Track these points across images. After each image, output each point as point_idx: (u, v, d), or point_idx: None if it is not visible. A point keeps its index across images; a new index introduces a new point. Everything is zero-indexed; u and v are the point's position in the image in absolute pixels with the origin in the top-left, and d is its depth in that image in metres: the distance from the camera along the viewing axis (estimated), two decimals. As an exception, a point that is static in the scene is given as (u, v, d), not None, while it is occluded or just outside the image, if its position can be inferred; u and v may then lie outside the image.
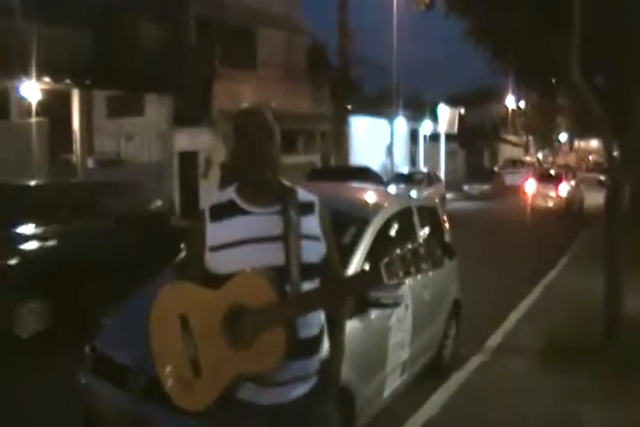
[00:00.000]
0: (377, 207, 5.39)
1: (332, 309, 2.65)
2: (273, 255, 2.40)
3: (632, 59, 7.49)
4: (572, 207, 24.97)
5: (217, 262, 2.45)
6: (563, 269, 12.06)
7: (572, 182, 27.08)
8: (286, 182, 2.58)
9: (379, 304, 4.49)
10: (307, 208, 2.54)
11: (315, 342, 2.51)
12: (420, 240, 2.24)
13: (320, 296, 2.39)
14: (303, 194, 2.58)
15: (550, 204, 25.62)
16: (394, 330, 4.97)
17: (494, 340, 7.34)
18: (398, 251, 2.20)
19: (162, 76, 17.55)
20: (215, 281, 2.40)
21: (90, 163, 17.49)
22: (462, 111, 41.22)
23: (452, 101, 40.59)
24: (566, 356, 6.63)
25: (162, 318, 2.50)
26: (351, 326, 4.32)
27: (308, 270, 2.44)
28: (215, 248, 2.45)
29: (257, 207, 2.49)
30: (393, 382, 5.10)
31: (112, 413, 4.08)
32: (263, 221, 2.46)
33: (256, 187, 2.49)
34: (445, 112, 37.66)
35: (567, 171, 31.34)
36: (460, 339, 6.84)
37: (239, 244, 2.42)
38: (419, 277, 5.25)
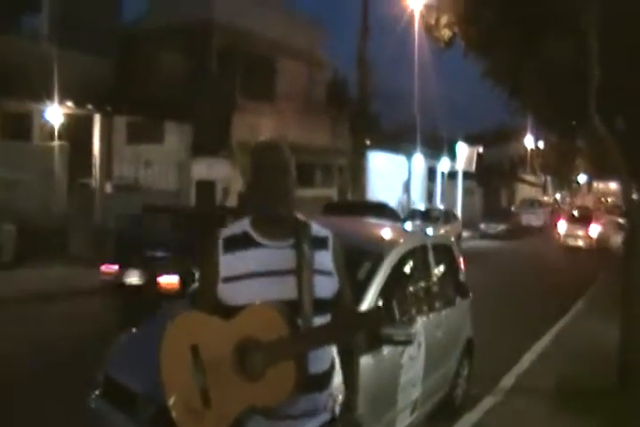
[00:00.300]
0: (392, 243, 5.37)
1: (345, 344, 2.62)
2: (286, 289, 2.40)
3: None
4: (600, 246, 26.37)
5: (229, 294, 2.45)
6: (579, 312, 11.91)
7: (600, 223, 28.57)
8: (301, 217, 2.58)
9: (391, 341, 4.44)
10: (320, 243, 2.55)
11: (325, 378, 2.49)
12: (434, 278, 2.25)
13: (332, 331, 2.40)
14: (317, 229, 2.59)
15: (581, 243, 27.68)
16: (406, 368, 4.90)
17: (507, 381, 7.23)
18: (411, 288, 2.19)
19: (182, 104, 17.74)
20: (228, 312, 2.40)
21: (108, 187, 17.59)
22: (481, 150, 41.27)
23: (471, 140, 40.64)
24: (579, 400, 6.54)
25: (173, 348, 2.47)
26: (363, 362, 4.27)
27: (320, 305, 2.43)
28: (228, 279, 2.45)
29: (271, 240, 2.49)
30: (403, 420, 5.02)
31: None
32: (276, 255, 2.46)
33: (271, 221, 2.49)
34: (464, 150, 37.73)
35: (594, 212, 32.99)
36: (472, 379, 6.75)
37: (252, 276, 2.42)
38: (432, 315, 5.28)
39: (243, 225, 2.54)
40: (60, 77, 14.77)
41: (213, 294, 2.48)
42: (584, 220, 28.90)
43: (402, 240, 5.55)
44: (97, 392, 4.31)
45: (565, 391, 6.82)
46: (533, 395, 6.78)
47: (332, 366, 2.55)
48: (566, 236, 28.78)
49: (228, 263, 2.46)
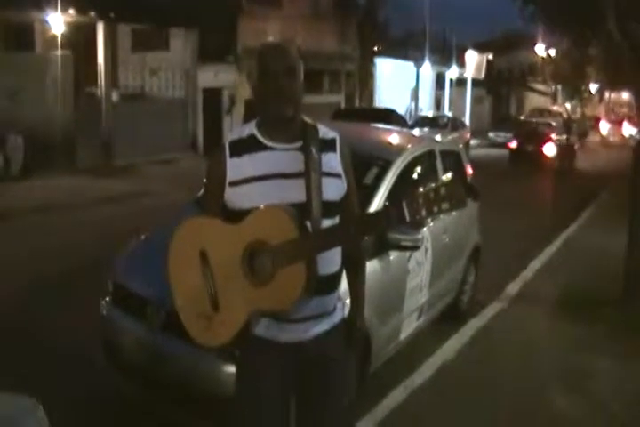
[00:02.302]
0: (400, 148, 5.33)
1: (353, 246, 2.63)
2: (294, 192, 2.38)
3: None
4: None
5: (237, 198, 2.42)
6: (585, 222, 11.94)
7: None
8: (308, 119, 2.53)
9: (398, 247, 4.47)
10: (328, 145, 2.50)
11: (333, 280, 2.50)
12: (443, 180, 2.20)
13: (341, 233, 2.35)
14: (324, 131, 2.53)
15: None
16: (412, 273, 4.96)
17: (513, 288, 7.33)
18: (419, 192, 2.14)
19: (187, 10, 17.27)
20: (235, 216, 2.38)
21: (114, 96, 17.38)
22: (490, 57, 40.36)
23: (481, 47, 39.70)
24: (584, 309, 6.63)
25: (181, 253, 2.48)
26: (370, 267, 4.29)
27: (328, 208, 2.41)
28: (235, 183, 2.42)
29: (278, 143, 2.44)
30: (410, 325, 5.12)
31: (132, 345, 4.11)
32: (284, 157, 2.43)
33: (277, 123, 2.44)
34: (473, 57, 36.93)
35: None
36: (478, 286, 6.83)
37: (260, 179, 2.40)
38: (439, 220, 5.30)
39: (249, 128, 2.50)
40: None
41: (220, 199, 2.46)
42: (619, 123, 38.52)
43: (409, 146, 5.50)
44: (107, 299, 4.37)
45: (570, 299, 6.92)
46: (538, 302, 6.89)
47: (341, 269, 2.55)
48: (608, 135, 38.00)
49: (235, 167, 2.43)
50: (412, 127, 21.17)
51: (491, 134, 34.26)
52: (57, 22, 15.28)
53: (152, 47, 19.16)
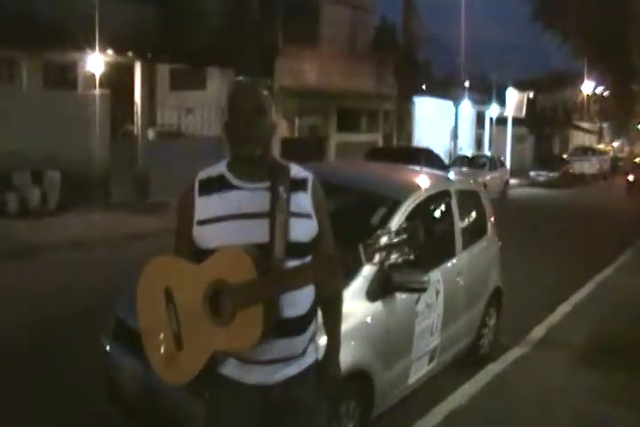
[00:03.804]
0: (411, 188, 5.23)
1: (326, 288, 2.56)
2: (258, 232, 2.36)
3: None
4: None
5: (203, 237, 2.42)
6: (621, 266, 11.57)
7: None
8: (279, 159, 2.54)
9: (404, 288, 4.37)
10: (299, 185, 2.49)
11: (301, 322, 2.45)
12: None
13: (302, 274, 2.34)
14: (296, 171, 2.53)
15: None
16: (421, 316, 4.83)
17: (537, 332, 7.09)
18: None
19: (224, 50, 17.57)
20: (203, 255, 2.39)
21: (150, 134, 17.66)
22: (531, 95, 40.19)
23: (522, 85, 39.61)
24: (611, 356, 6.39)
25: (148, 290, 2.52)
26: (374, 308, 4.29)
27: (295, 248, 2.39)
28: (202, 222, 2.42)
29: (246, 183, 2.45)
30: (419, 369, 4.97)
31: (129, 380, 4.11)
32: (252, 197, 2.42)
33: (246, 162, 2.45)
34: (513, 95, 36.80)
35: None
36: (501, 329, 6.63)
37: (226, 219, 2.39)
38: (452, 262, 5.19)
39: (219, 167, 2.51)
40: (102, 26, 14.73)
41: (188, 237, 2.46)
42: None
43: (422, 186, 5.41)
44: (109, 335, 4.38)
45: (597, 347, 6.67)
46: (562, 348, 6.64)
47: (309, 313, 2.49)
48: None
49: (203, 206, 2.44)
50: (450, 167, 21.03)
51: (532, 173, 33.97)
52: (96, 62, 15.68)
53: (189, 86, 19.51)
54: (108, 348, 4.37)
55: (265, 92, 2.46)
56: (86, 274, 9.08)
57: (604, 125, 63.14)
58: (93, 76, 15.95)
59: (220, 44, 17.28)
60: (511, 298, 6.80)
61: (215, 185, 2.45)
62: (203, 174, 2.51)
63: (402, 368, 4.68)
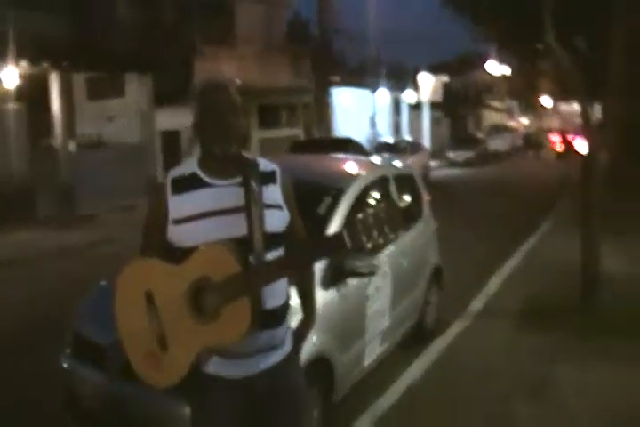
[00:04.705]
0: (353, 177, 5.42)
1: (300, 277, 2.71)
2: (236, 226, 2.41)
3: (610, 23, 7.50)
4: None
5: (180, 236, 2.46)
6: (545, 233, 12.18)
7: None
8: (247, 155, 2.58)
9: (355, 274, 4.54)
10: (268, 178, 2.55)
11: (281, 313, 2.54)
12: (397, 208, 2.25)
13: (284, 265, 2.39)
14: (264, 164, 2.59)
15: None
16: (372, 299, 5.04)
17: (476, 305, 7.45)
18: (373, 219, 2.19)
19: (141, 55, 17.39)
20: (180, 254, 2.42)
21: (71, 146, 17.37)
22: (445, 79, 41.04)
23: (435, 69, 40.35)
24: (546, 318, 6.78)
25: (126, 295, 2.51)
26: (329, 296, 4.39)
27: (272, 240, 2.45)
28: (178, 221, 2.46)
29: (219, 179, 2.49)
30: (373, 350, 5.18)
31: (93, 395, 4.08)
32: (225, 193, 2.47)
33: (219, 160, 2.49)
34: (428, 80, 37.51)
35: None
36: (442, 305, 6.93)
37: (202, 216, 2.43)
38: (396, 244, 5.39)
39: (190, 166, 2.55)
40: (13, 37, 14.40)
41: (162, 237, 2.50)
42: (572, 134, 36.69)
43: (362, 173, 5.59)
44: (67, 351, 4.35)
45: (532, 312, 7.04)
46: (501, 317, 7.00)
47: (287, 302, 2.58)
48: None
49: (177, 205, 2.47)
50: (372, 154, 21.39)
51: (450, 154, 34.78)
52: (10, 75, 15.31)
53: (108, 94, 19.21)
54: (65, 365, 4.30)
55: (234, 90, 2.51)
56: (21, 292, 8.98)
57: (514, 103, 64.91)
58: (8, 89, 15.59)
59: (136, 49, 17.08)
60: (447, 274, 7.10)
61: (187, 183, 2.49)
62: (174, 173, 2.54)
63: (358, 351, 4.86)
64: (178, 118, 19.97)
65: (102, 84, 19.26)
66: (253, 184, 2.43)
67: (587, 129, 7.50)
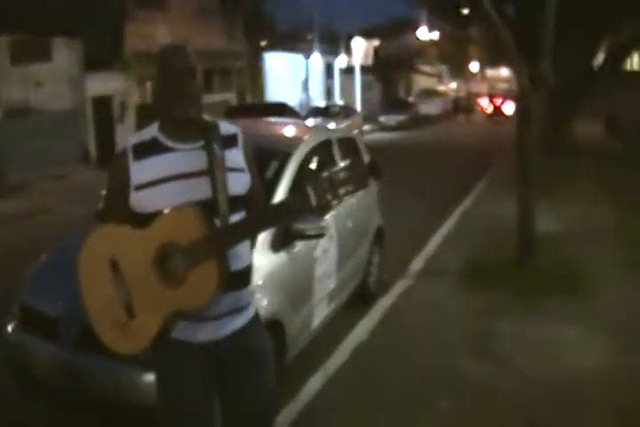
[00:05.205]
0: (297, 140, 5.44)
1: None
2: (200, 190, 2.42)
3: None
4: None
5: (143, 201, 2.44)
6: (479, 195, 12.52)
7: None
8: (208, 118, 2.55)
9: (303, 236, 4.57)
10: (230, 141, 2.54)
11: (245, 275, 2.56)
12: (345, 163, 2.28)
13: (249, 225, 2.41)
14: (225, 127, 2.57)
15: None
16: (320, 261, 5.11)
17: (416, 265, 7.65)
18: (324, 174, 2.21)
19: (69, 18, 16.84)
20: (142, 220, 2.40)
21: (-2, 113, 16.83)
22: (377, 43, 41.10)
23: (367, 34, 40.38)
24: (484, 277, 6.99)
25: (90, 264, 2.48)
26: (277, 259, 4.43)
27: (235, 202, 2.47)
28: (140, 187, 2.44)
29: (181, 144, 2.48)
30: (321, 311, 5.26)
31: (45, 367, 4.02)
32: (188, 157, 2.46)
33: (180, 124, 2.47)
34: (360, 45, 37.52)
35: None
36: (384, 266, 7.07)
37: (165, 181, 2.42)
38: (341, 206, 5.47)
39: (151, 131, 2.53)
40: None
41: (125, 204, 2.47)
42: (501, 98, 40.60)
43: (307, 137, 5.61)
44: (14, 324, 4.23)
45: (471, 271, 7.27)
46: (441, 276, 7.22)
47: (251, 264, 2.61)
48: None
49: (139, 170, 2.45)
50: (306, 118, 21.41)
51: (382, 118, 35.01)
52: None
53: (34, 59, 18.55)
54: (12, 337, 4.19)
55: (193, 54, 2.48)
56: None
57: (443, 68, 65.54)
58: None
59: (64, 11, 16.51)
60: (387, 235, 7.21)
61: (149, 148, 2.46)
62: (134, 139, 2.52)
63: (307, 313, 4.92)
64: (109, 83, 19.56)
65: (28, 47, 18.57)
66: (216, 147, 2.44)
67: (520, 92, 7.67)
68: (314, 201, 2.22)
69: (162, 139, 2.48)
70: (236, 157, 2.54)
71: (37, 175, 16.18)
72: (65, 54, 18.75)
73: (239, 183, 2.51)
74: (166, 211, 2.35)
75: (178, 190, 2.41)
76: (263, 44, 26.96)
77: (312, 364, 4.96)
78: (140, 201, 2.44)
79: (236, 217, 2.46)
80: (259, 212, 2.54)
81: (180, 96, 2.42)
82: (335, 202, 2.23)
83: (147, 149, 2.47)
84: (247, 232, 2.42)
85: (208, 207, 2.36)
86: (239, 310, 2.55)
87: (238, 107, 22.25)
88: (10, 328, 4.23)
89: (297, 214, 2.32)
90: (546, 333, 5.59)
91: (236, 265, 2.46)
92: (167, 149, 2.47)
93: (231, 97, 26.25)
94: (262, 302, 4.08)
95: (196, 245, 2.28)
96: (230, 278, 2.38)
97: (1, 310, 4.45)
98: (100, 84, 19.20)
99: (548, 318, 5.91)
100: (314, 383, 4.70)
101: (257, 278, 4.07)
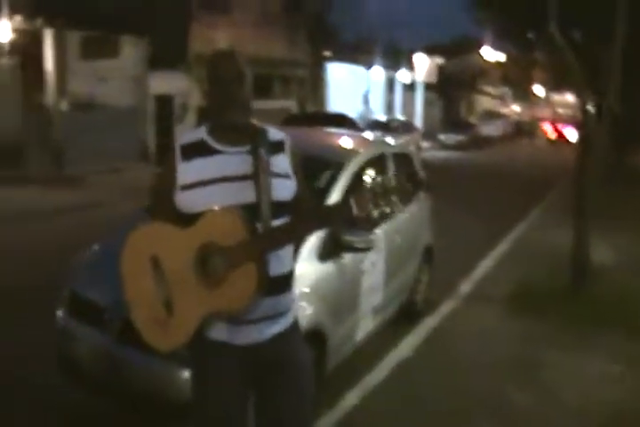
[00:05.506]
0: (353, 152, 5.39)
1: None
2: (244, 194, 2.43)
3: (606, 18, 7.47)
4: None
5: (188, 201, 2.47)
6: (535, 220, 12.25)
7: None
8: (257, 123, 2.59)
9: (351, 248, 4.52)
10: (277, 147, 2.56)
11: (286, 280, 2.55)
12: (394, 186, 2.28)
13: (290, 231, 2.43)
14: (273, 133, 2.60)
15: None
16: (367, 274, 5.03)
17: (466, 286, 7.49)
18: (372, 195, 2.24)
19: (138, 17, 17.17)
20: (186, 220, 2.43)
21: (63, 105, 17.17)
22: (441, 61, 40.93)
23: (431, 51, 40.21)
24: (534, 303, 6.81)
25: (133, 259, 2.52)
26: (325, 269, 4.40)
27: (279, 208, 2.47)
28: (186, 187, 2.47)
29: (228, 147, 2.50)
30: (365, 325, 5.19)
31: (88, 355, 4.07)
32: (234, 160, 2.48)
33: (228, 128, 2.50)
34: (423, 61, 37.40)
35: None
36: (432, 285, 6.94)
37: (210, 183, 2.44)
38: (392, 221, 5.39)
39: (199, 133, 2.55)
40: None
41: (171, 203, 2.50)
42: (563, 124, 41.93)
43: (362, 148, 5.57)
44: (64, 309, 4.32)
45: (521, 296, 7.08)
46: (490, 300, 7.04)
47: (293, 270, 2.60)
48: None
49: (186, 171, 2.48)
50: (365, 131, 21.32)
51: (441, 137, 34.80)
52: (3, 30, 15.06)
53: (101, 55, 18.93)
54: (62, 323, 4.29)
55: (242, 59, 2.51)
56: (9, 250, 8.86)
57: (506, 90, 64.89)
58: (0, 44, 15.34)
59: (133, 11, 16.86)
60: (437, 255, 7.09)
61: (197, 150, 2.50)
62: (183, 140, 2.55)
63: (350, 325, 4.87)
64: (171, 83, 19.82)
65: (96, 44, 18.97)
66: (262, 152, 2.47)
67: (584, 119, 7.49)
68: (355, 211, 2.27)
69: (210, 141, 2.52)
70: (282, 162, 2.55)
71: (95, 168, 16.46)
72: (131, 52, 19.11)
73: (284, 189, 2.52)
74: (210, 211, 2.37)
75: (222, 193, 2.44)
76: (326, 53, 26.99)
77: (352, 377, 4.89)
78: (185, 201, 2.48)
79: (278, 222, 2.46)
80: (300, 218, 2.54)
81: (229, 101, 2.46)
82: (376, 214, 2.26)
83: (194, 151, 2.51)
84: (288, 238, 2.45)
85: (251, 211, 2.39)
86: (278, 315, 2.55)
87: (298, 115, 22.30)
88: (59, 314, 4.32)
89: (337, 223, 2.33)
90: (594, 367, 5.40)
91: (276, 270, 2.46)
92: (214, 152, 2.50)
93: (291, 105, 26.34)
94: (305, 311, 4.05)
95: (235, 247, 2.31)
96: (269, 283, 2.39)
97: (50, 299, 4.52)
98: (163, 84, 19.46)
99: (598, 351, 5.71)
100: (352, 396, 4.64)
101: (302, 287, 4.07)
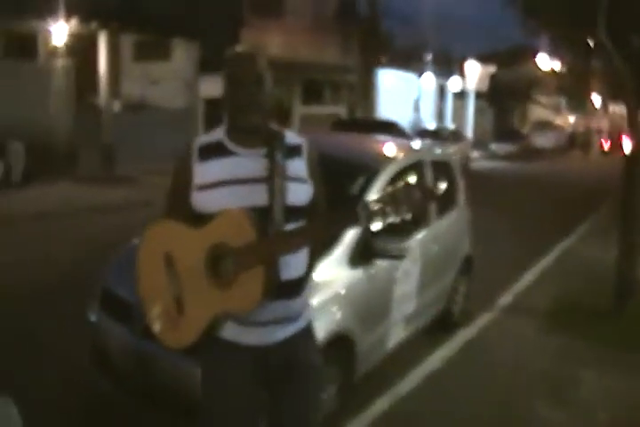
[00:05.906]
0: (389, 158, 5.36)
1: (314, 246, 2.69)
2: (257, 196, 2.42)
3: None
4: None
5: (203, 201, 2.47)
6: (581, 235, 11.99)
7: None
8: (274, 126, 2.58)
9: (384, 256, 4.49)
10: (294, 151, 2.55)
11: (298, 285, 2.53)
12: (402, 184, 2.26)
13: (302, 235, 2.41)
14: (291, 137, 2.58)
15: None
16: (400, 282, 4.99)
17: (505, 299, 7.36)
18: (384, 192, 2.23)
19: (189, 21, 17.41)
20: (201, 220, 2.44)
21: (116, 106, 17.49)
22: (493, 69, 40.52)
23: (483, 59, 39.86)
24: (574, 320, 6.67)
25: (148, 256, 2.55)
26: (356, 275, 4.40)
27: (293, 212, 2.45)
28: (201, 187, 2.47)
29: (244, 149, 2.49)
30: (397, 333, 5.14)
31: (117, 350, 4.15)
32: (249, 163, 2.47)
33: (245, 130, 2.49)
34: (475, 69, 37.08)
35: None
36: (470, 296, 6.84)
37: (224, 184, 2.44)
38: (427, 230, 5.33)
39: (217, 134, 2.55)
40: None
41: (186, 202, 2.51)
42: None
43: (398, 155, 5.53)
44: (95, 305, 4.41)
45: (561, 312, 6.94)
46: (529, 314, 6.90)
47: (306, 275, 2.57)
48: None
49: (202, 171, 2.48)
50: (413, 139, 21.21)
51: (492, 146, 34.47)
52: (59, 32, 15.41)
53: (153, 57, 19.26)
54: (93, 318, 4.39)
55: (263, 61, 2.48)
56: (56, 246, 9.06)
57: (561, 100, 63.84)
58: (56, 46, 15.69)
59: (185, 15, 17.10)
60: (479, 266, 7.00)
61: (214, 151, 2.49)
62: (201, 140, 2.55)
63: (381, 333, 4.83)
64: (221, 87, 19.98)
65: (149, 47, 19.31)
66: (278, 156, 2.45)
67: (632, 131, 7.29)
68: (363, 218, 2.25)
69: (227, 143, 2.52)
70: (298, 167, 2.54)
71: (145, 169, 16.67)
72: (182, 55, 19.37)
73: (299, 193, 2.50)
74: (222, 212, 2.38)
75: (235, 194, 2.43)
76: (377, 59, 26.94)
77: (382, 384, 4.85)
78: (200, 201, 2.48)
79: (292, 226, 2.44)
80: (314, 224, 2.51)
81: (247, 103, 2.44)
82: (392, 218, 2.23)
83: (211, 151, 2.51)
84: (300, 242, 2.42)
85: (263, 214, 2.37)
86: (288, 320, 2.53)
87: (346, 121, 22.27)
88: (92, 308, 4.42)
89: (344, 228, 2.31)
90: (630, 390, 5.23)
91: (288, 274, 2.44)
92: (231, 153, 2.50)
93: (341, 110, 26.37)
94: (335, 316, 4.08)
95: (243, 249, 2.30)
96: (280, 287, 2.38)
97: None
98: (214, 87, 19.57)
99: (636, 374, 5.54)
100: (380, 404, 4.60)
101: (331, 291, 4.07)
